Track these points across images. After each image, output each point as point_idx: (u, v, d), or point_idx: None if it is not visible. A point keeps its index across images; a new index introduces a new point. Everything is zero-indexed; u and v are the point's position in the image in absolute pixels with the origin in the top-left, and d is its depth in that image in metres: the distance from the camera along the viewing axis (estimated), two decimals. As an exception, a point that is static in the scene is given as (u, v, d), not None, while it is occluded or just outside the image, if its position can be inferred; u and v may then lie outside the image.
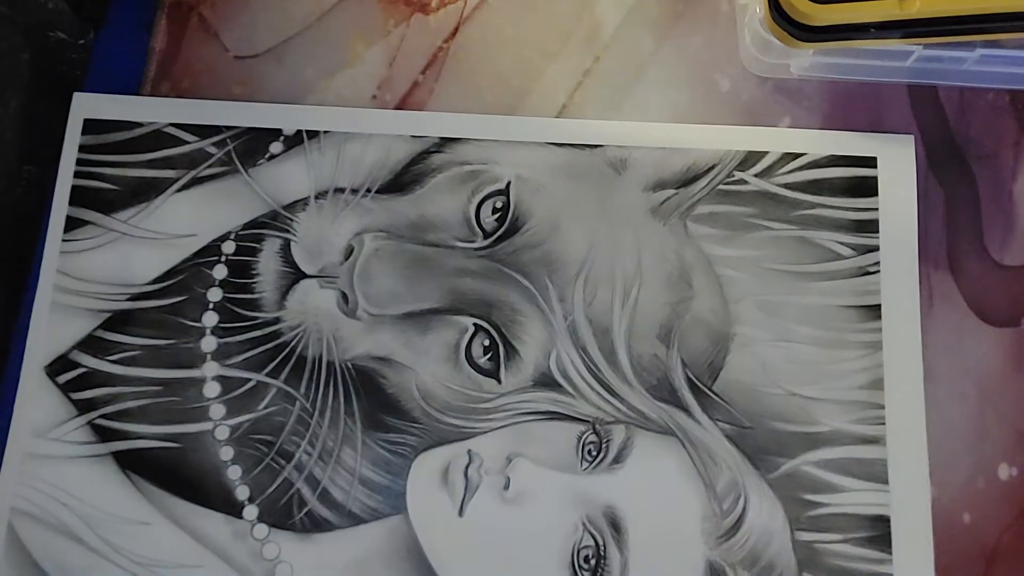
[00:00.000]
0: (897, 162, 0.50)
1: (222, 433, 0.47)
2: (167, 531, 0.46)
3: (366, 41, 0.52)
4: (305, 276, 0.48)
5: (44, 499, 0.46)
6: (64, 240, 0.49)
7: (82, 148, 0.50)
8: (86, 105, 0.51)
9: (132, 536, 0.46)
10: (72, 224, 0.49)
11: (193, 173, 0.50)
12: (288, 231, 0.49)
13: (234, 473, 0.47)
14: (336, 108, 0.51)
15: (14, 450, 0.47)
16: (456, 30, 0.52)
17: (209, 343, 0.48)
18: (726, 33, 0.52)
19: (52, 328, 0.48)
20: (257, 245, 0.49)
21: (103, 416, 0.47)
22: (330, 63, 0.52)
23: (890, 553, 0.46)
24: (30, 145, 0.50)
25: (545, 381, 0.47)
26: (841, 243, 0.49)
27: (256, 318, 0.48)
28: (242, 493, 0.46)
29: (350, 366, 0.47)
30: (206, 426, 0.47)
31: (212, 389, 0.47)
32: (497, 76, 0.52)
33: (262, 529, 0.46)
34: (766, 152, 0.50)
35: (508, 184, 0.50)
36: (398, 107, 0.51)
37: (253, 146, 0.50)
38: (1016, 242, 0.50)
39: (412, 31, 0.52)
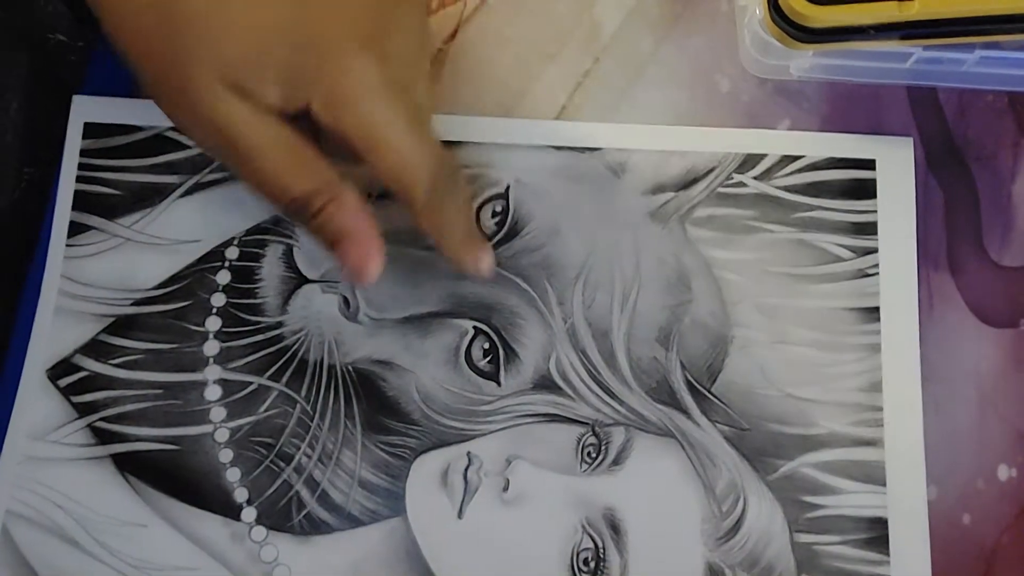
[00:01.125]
0: (896, 164, 0.50)
1: (222, 436, 0.47)
2: (164, 533, 0.46)
3: (366, 42, 0.52)
4: (307, 281, 0.48)
5: (40, 501, 0.46)
6: (68, 245, 0.49)
7: (83, 152, 0.50)
8: (86, 108, 0.51)
9: (128, 538, 0.46)
10: (76, 229, 0.49)
11: (196, 178, 0.50)
12: (290, 237, 0.49)
13: (233, 475, 0.47)
14: (336, 111, 0.51)
15: (11, 453, 0.47)
16: (455, 32, 0.52)
17: (212, 347, 0.48)
18: (726, 34, 0.52)
19: (55, 332, 0.48)
20: (260, 251, 0.49)
21: (103, 419, 0.47)
22: (330, 64, 0.52)
23: (888, 555, 0.46)
24: (29, 147, 0.50)
25: (545, 384, 0.47)
26: (840, 245, 0.49)
27: (259, 322, 0.48)
28: (241, 495, 0.46)
29: (351, 369, 0.48)
30: (206, 429, 0.47)
31: (213, 392, 0.47)
32: (496, 78, 0.52)
33: (260, 531, 0.46)
34: (765, 154, 0.50)
35: (507, 188, 0.50)
36: (398, 108, 0.51)
37: (254, 150, 0.50)
38: (1016, 243, 0.50)
39: (412, 33, 0.52)
